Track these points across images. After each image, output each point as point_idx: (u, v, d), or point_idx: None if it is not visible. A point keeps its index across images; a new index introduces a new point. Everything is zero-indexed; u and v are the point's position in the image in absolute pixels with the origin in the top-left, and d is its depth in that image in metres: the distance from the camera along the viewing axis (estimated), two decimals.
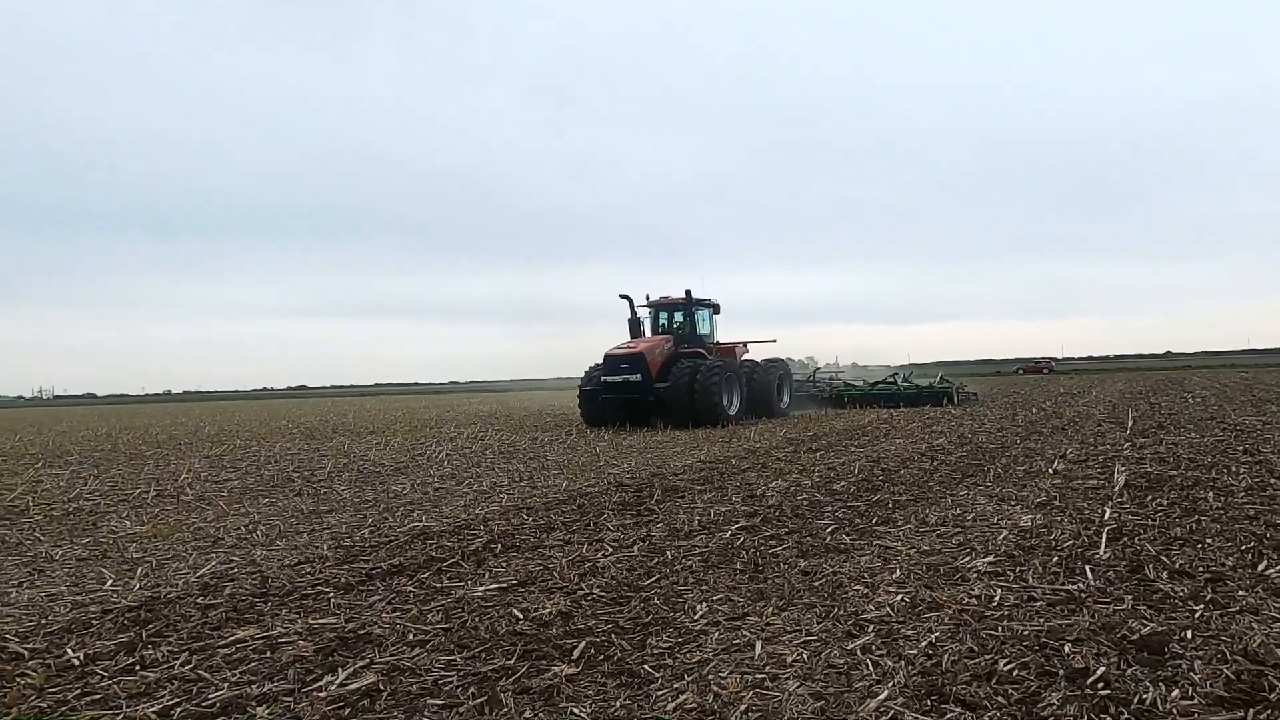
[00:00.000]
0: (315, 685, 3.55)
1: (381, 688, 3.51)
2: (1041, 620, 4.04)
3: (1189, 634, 3.75)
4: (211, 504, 8.93)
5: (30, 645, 4.17)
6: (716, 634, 4.04)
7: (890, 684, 3.35)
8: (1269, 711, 3.02)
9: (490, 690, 3.45)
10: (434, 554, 6.01)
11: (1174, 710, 3.03)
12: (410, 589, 5.07)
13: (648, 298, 20.64)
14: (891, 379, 27.54)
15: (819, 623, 4.16)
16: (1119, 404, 21.41)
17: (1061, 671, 3.40)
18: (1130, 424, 14.84)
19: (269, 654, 3.96)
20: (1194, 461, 9.34)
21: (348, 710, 3.31)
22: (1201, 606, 4.14)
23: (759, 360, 22.02)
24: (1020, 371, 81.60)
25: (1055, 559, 5.17)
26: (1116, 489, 7.66)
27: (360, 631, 4.24)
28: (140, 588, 5.30)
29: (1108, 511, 6.57)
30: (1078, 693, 3.19)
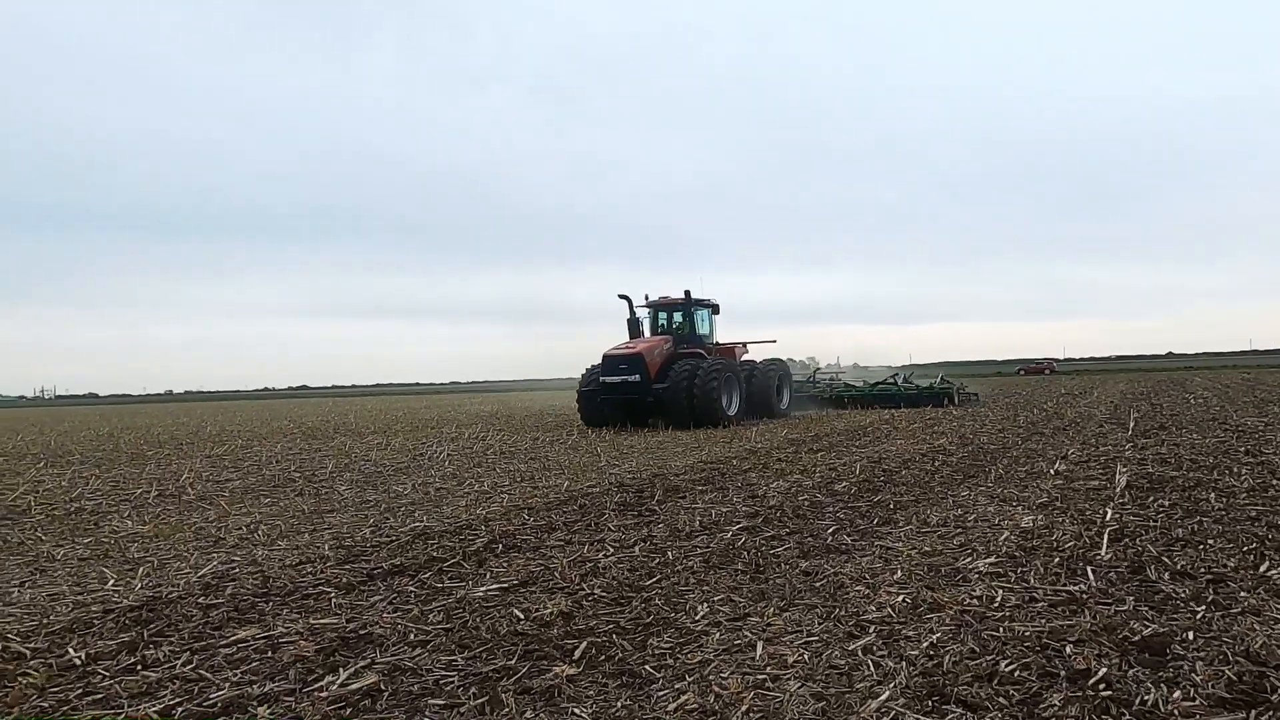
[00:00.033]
0: (316, 685, 3.55)
1: (383, 688, 3.51)
2: (1043, 621, 4.04)
3: (1191, 635, 3.75)
4: (213, 504, 8.94)
5: (32, 645, 4.17)
6: (718, 634, 4.04)
7: (891, 685, 3.35)
8: (1270, 713, 3.01)
9: (491, 690, 3.45)
10: (435, 554, 6.01)
11: (1175, 711, 3.02)
12: (411, 589, 5.08)
13: (647, 298, 20.60)
14: (892, 380, 27.52)
15: (820, 623, 4.16)
16: (1120, 405, 21.39)
17: (1063, 672, 3.40)
18: (1132, 425, 14.83)
19: (270, 654, 3.96)
20: (1196, 462, 9.33)
21: (349, 710, 3.31)
22: (1203, 608, 4.14)
23: (758, 361, 21.98)
24: (1021, 372, 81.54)
25: (1057, 560, 5.17)
26: (1118, 490, 7.65)
27: (361, 631, 4.25)
28: (142, 587, 5.31)
29: (1109, 512, 6.56)
30: (1079, 694, 3.19)
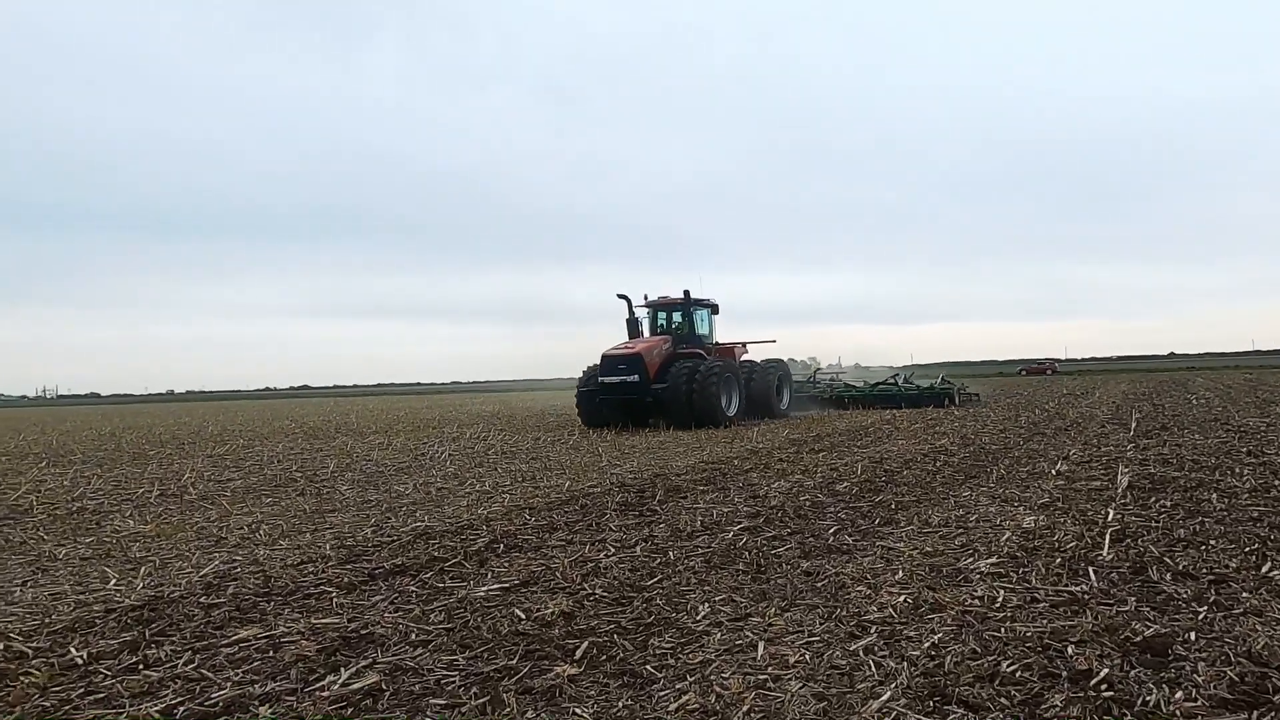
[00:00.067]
0: (318, 684, 3.55)
1: (384, 687, 3.51)
2: (1044, 621, 4.03)
3: (1193, 636, 3.75)
4: (214, 503, 8.95)
5: (34, 644, 4.18)
6: (719, 634, 4.04)
7: (893, 685, 3.35)
8: (1272, 714, 3.01)
9: (492, 690, 3.45)
10: (436, 554, 6.02)
11: (1177, 712, 3.02)
12: (413, 589, 5.08)
13: (646, 298, 20.52)
14: (892, 380, 27.49)
15: (821, 623, 4.16)
16: (1122, 405, 21.37)
17: (1064, 673, 3.39)
18: (1133, 425, 14.81)
19: (272, 653, 3.96)
20: (1197, 463, 9.32)
21: (350, 710, 3.31)
22: (1205, 608, 4.13)
23: (758, 361, 21.92)
24: (1023, 372, 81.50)
25: (1058, 560, 5.17)
26: (1120, 490, 7.65)
27: (363, 631, 4.25)
28: (143, 587, 5.31)
29: (1111, 513, 6.56)
30: (1081, 694, 3.19)
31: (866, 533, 6.28)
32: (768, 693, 3.34)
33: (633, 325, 20.33)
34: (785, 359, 24.68)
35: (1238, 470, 8.64)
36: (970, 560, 5.28)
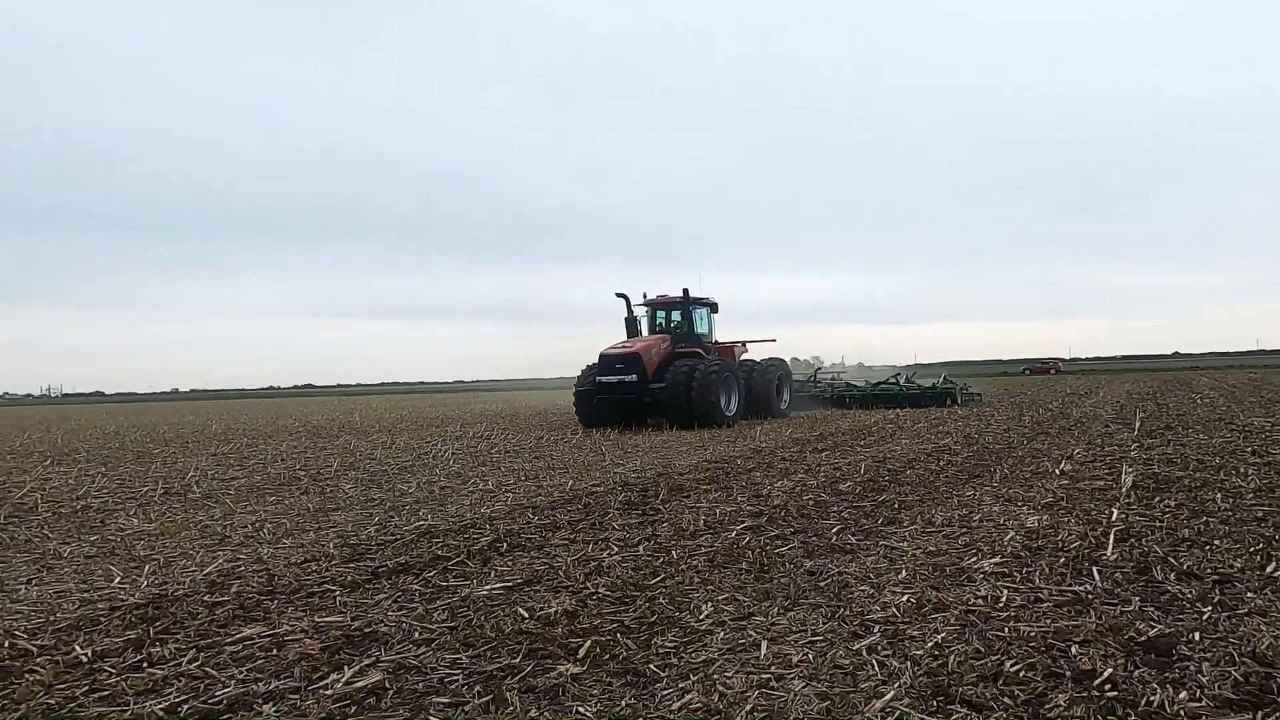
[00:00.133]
0: (321, 683, 3.56)
1: (387, 686, 3.52)
2: (1048, 621, 4.03)
3: (1197, 636, 3.74)
4: (218, 502, 8.97)
5: (39, 642, 4.19)
6: (722, 634, 4.04)
7: (896, 684, 3.34)
8: (1277, 714, 3.00)
9: (496, 689, 3.45)
10: (440, 552, 6.02)
11: (1181, 712, 3.01)
12: (416, 587, 5.09)
13: (645, 296, 20.38)
14: (894, 379, 27.41)
15: (824, 623, 4.15)
16: (1126, 405, 21.33)
17: (1068, 673, 3.39)
18: (1138, 425, 14.78)
19: (275, 652, 3.97)
20: (1202, 463, 9.30)
21: (353, 708, 3.32)
22: (1209, 608, 4.12)
23: (758, 360, 21.78)
24: (1027, 372, 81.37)
25: (1062, 560, 5.16)
26: (1124, 490, 7.63)
27: (366, 630, 4.25)
28: (148, 585, 5.33)
29: (1115, 513, 6.55)
30: (1084, 694, 3.18)
31: (870, 532, 6.27)
32: (771, 692, 3.34)
33: (631, 324, 20.18)
34: (788, 358, 24.60)
35: (1242, 470, 8.62)
36: (974, 560, 5.27)
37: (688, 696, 3.30)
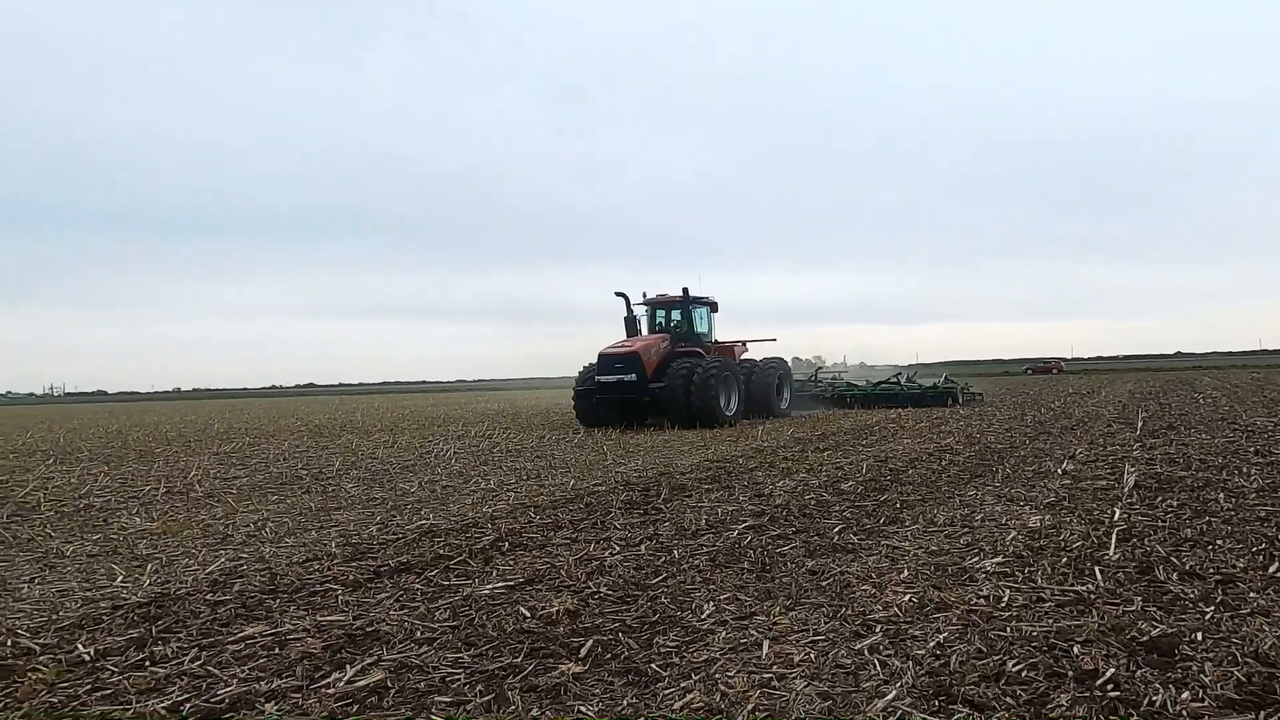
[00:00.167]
0: (323, 682, 3.56)
1: (389, 685, 3.52)
2: (1050, 621, 4.02)
3: (1199, 636, 3.73)
4: (221, 501, 8.98)
5: (41, 640, 4.20)
6: (724, 633, 4.04)
7: (898, 684, 3.34)
8: (1279, 714, 3.00)
9: (497, 688, 3.46)
10: (442, 552, 6.03)
11: (1184, 712, 3.01)
12: (418, 586, 5.09)
13: (644, 295, 20.33)
14: (895, 379, 27.37)
15: (826, 622, 4.15)
16: (1129, 404, 21.30)
17: (1070, 673, 3.39)
18: (1140, 424, 14.76)
19: (278, 650, 3.98)
20: (1204, 462, 9.29)
21: (356, 707, 3.32)
22: (1212, 608, 4.12)
23: (758, 360, 21.70)
24: (1029, 371, 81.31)
25: (1064, 560, 5.15)
26: (1126, 490, 7.62)
27: (368, 629, 4.26)
28: (150, 584, 5.33)
29: (1117, 512, 6.54)
30: (1087, 694, 3.18)
31: (871, 532, 6.27)
32: (772, 691, 3.34)
33: (630, 323, 20.11)
34: (790, 358, 24.57)
35: (1245, 470, 8.61)
36: (976, 559, 5.26)
37: (689, 696, 3.30)
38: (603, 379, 18.58)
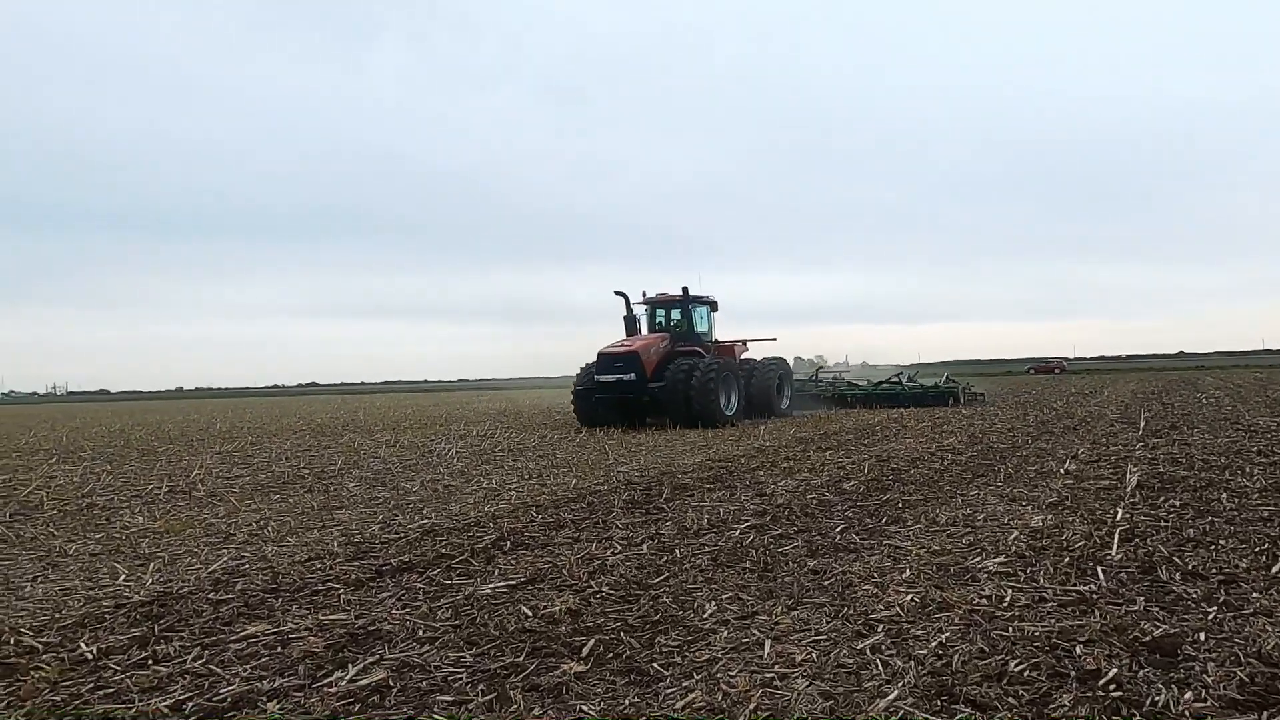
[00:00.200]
0: (326, 681, 3.57)
1: (391, 684, 3.52)
2: (1053, 621, 4.02)
3: (1202, 636, 3.73)
4: (223, 500, 8.99)
5: (44, 639, 4.21)
6: (725, 633, 4.04)
7: (900, 684, 3.34)
8: None
9: (499, 687, 3.46)
10: (444, 551, 6.03)
11: (1186, 712, 3.01)
12: (420, 586, 5.09)
13: (644, 295, 20.29)
14: (896, 379, 27.33)
15: (828, 622, 4.15)
16: (1131, 404, 21.27)
17: (1073, 673, 3.38)
18: (1143, 424, 14.74)
19: (280, 649, 3.98)
20: (1207, 462, 9.27)
21: (358, 706, 3.32)
22: (1215, 608, 4.11)
23: (758, 359, 21.65)
24: (1031, 371, 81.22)
25: (1067, 560, 5.15)
26: (1129, 490, 7.61)
27: (370, 628, 4.26)
28: (152, 583, 5.34)
29: (1120, 512, 6.53)
30: (1089, 694, 3.18)
31: (874, 531, 6.27)
32: (774, 691, 3.33)
33: (630, 323, 20.06)
34: (791, 358, 24.54)
35: (1248, 469, 8.59)
36: (978, 559, 5.26)
37: (691, 695, 3.30)
38: (602, 378, 18.54)
